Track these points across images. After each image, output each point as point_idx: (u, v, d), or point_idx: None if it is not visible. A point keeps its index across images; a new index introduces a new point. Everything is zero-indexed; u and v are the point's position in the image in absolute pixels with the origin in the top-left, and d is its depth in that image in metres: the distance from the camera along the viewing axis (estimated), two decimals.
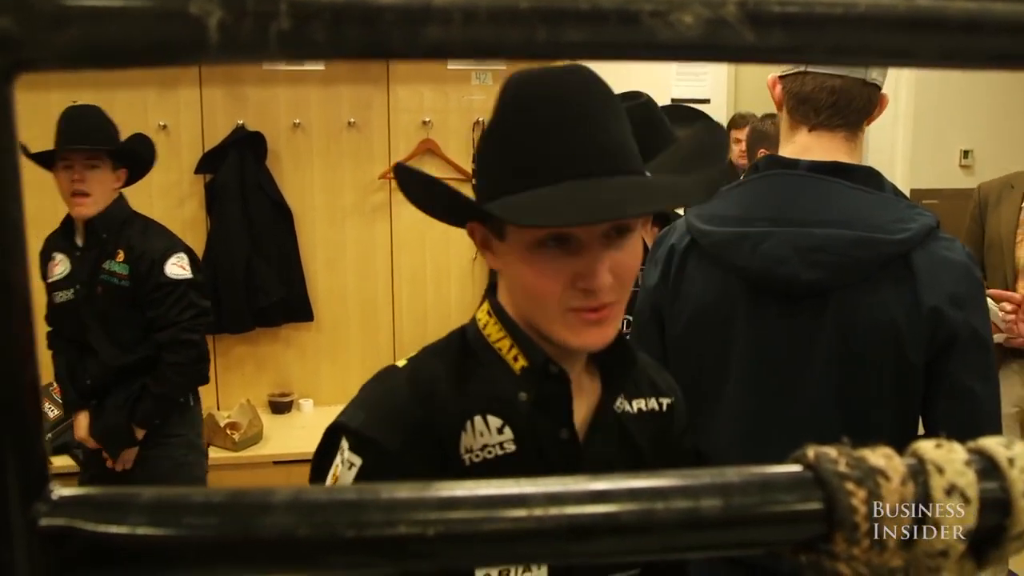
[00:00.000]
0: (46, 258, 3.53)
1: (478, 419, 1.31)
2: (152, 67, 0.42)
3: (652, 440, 1.45)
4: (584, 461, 1.33)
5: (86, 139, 3.29)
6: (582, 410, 1.37)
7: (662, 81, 5.47)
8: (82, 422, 3.51)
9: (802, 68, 1.81)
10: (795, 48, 0.43)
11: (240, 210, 4.77)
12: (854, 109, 1.80)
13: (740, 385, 1.81)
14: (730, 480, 0.47)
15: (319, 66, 4.88)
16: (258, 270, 4.82)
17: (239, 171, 4.76)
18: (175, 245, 3.56)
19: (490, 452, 1.30)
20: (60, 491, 0.46)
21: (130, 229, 3.48)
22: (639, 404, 1.45)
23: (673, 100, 5.57)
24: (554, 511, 0.45)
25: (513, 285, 1.30)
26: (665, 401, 1.49)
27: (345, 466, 1.26)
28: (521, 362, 1.33)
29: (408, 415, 1.29)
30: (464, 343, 1.38)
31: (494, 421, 1.31)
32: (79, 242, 3.47)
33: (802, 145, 1.84)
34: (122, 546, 0.45)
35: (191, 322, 3.49)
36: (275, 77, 4.88)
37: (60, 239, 3.54)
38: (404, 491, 0.46)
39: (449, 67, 5.03)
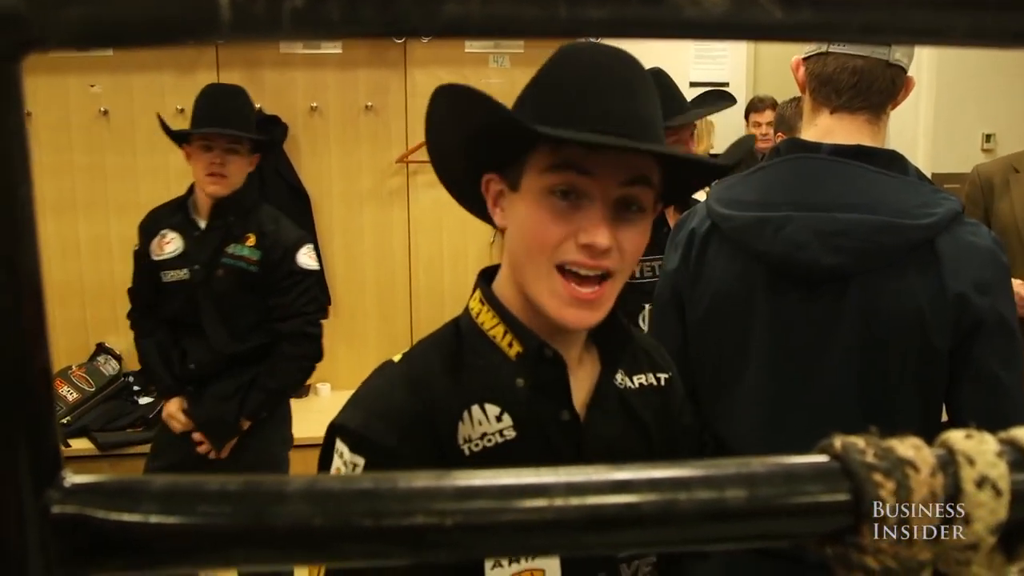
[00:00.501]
0: (151, 234, 3.42)
1: (475, 408, 1.30)
2: (163, 46, 0.41)
3: (655, 415, 1.45)
4: (588, 440, 1.34)
5: (229, 123, 3.21)
6: (582, 389, 1.37)
7: (680, 64, 5.44)
8: (175, 407, 3.39)
9: (824, 48, 1.78)
10: (824, 25, 0.42)
11: (258, 195, 4.77)
12: (876, 91, 1.77)
13: (760, 370, 1.79)
14: (755, 470, 0.46)
15: (336, 49, 4.87)
16: None
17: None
18: (305, 236, 3.51)
19: (489, 440, 1.29)
20: (72, 478, 0.45)
21: (260, 215, 3.41)
22: (639, 379, 1.45)
23: (691, 83, 5.55)
24: (575, 501, 0.44)
25: (514, 241, 1.29)
26: (663, 376, 1.49)
27: (348, 468, 1.25)
28: (516, 348, 1.32)
29: (403, 410, 1.28)
30: (458, 333, 1.37)
31: (492, 409, 1.30)
32: (199, 222, 3.38)
33: (824, 128, 1.81)
34: (134, 534, 0.44)
35: (315, 315, 3.45)
36: (292, 61, 4.87)
37: (171, 216, 3.43)
38: (421, 480, 0.45)
39: (467, 50, 5.02)
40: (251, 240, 3.35)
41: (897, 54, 1.75)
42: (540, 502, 0.44)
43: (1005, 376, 1.64)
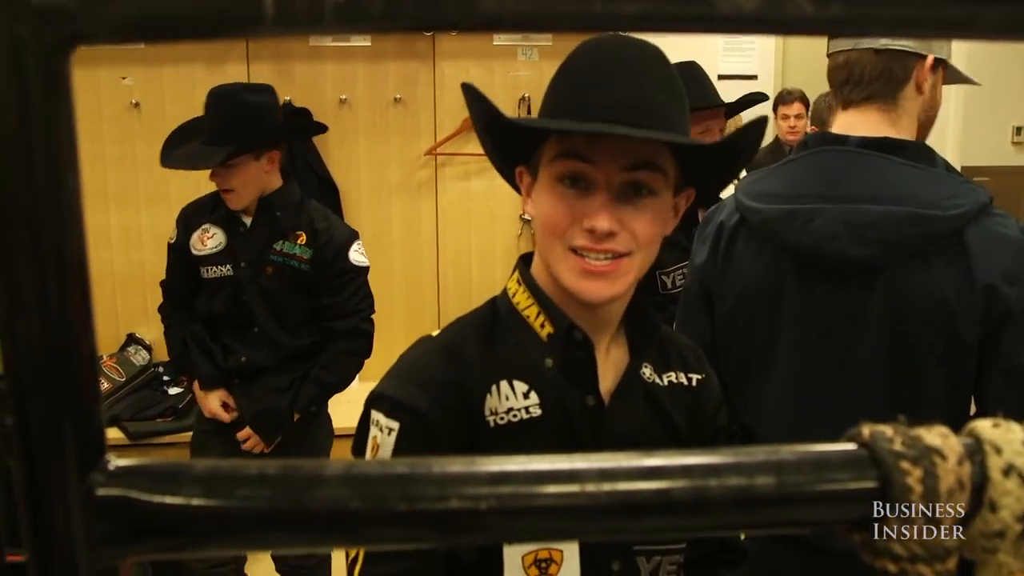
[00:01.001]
0: (191, 228, 3.32)
1: (504, 383, 1.34)
2: (207, 40, 0.42)
3: (685, 414, 1.46)
4: (610, 427, 1.36)
5: (218, 137, 3.10)
6: (609, 377, 1.39)
7: (710, 57, 5.41)
8: (216, 404, 3.32)
9: (838, 48, 1.80)
10: (854, 19, 0.43)
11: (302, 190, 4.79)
12: (870, 80, 1.77)
13: (789, 362, 1.80)
14: (784, 458, 0.46)
15: (365, 42, 4.88)
16: None
17: (286, 147, 4.78)
18: (355, 232, 3.46)
19: (515, 415, 1.32)
20: (116, 462, 0.46)
21: (309, 212, 3.34)
22: (669, 377, 1.46)
23: (720, 76, 5.52)
24: (607, 487, 0.45)
25: (536, 226, 1.33)
26: (695, 377, 1.50)
27: (384, 432, 1.29)
28: (548, 328, 1.36)
29: (435, 376, 1.33)
30: (495, 312, 1.42)
31: (520, 386, 1.34)
32: (244, 218, 3.27)
33: (844, 122, 1.82)
34: (176, 516, 0.45)
35: (368, 312, 3.44)
36: (322, 53, 4.89)
37: (213, 210, 3.31)
38: (456, 465, 0.46)
39: (495, 43, 5.02)
40: (302, 238, 3.29)
41: (883, 40, 1.74)
42: (572, 487, 0.45)
43: None
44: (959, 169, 5.80)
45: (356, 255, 3.36)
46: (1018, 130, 5.70)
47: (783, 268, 1.79)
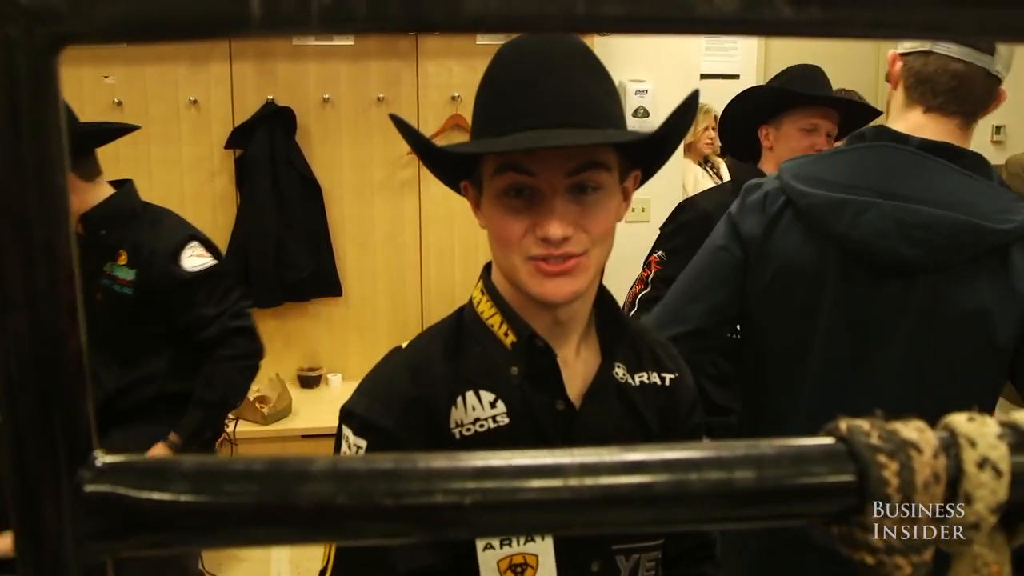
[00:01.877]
0: None
1: (470, 394, 1.34)
2: (194, 41, 0.42)
3: (659, 414, 1.46)
4: (581, 430, 1.36)
5: None
6: (579, 380, 1.39)
7: (691, 56, 5.44)
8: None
9: (928, 47, 1.77)
10: (833, 22, 0.43)
11: (270, 185, 4.78)
12: (973, 97, 1.77)
13: (821, 354, 1.80)
14: (763, 452, 0.47)
15: (348, 41, 4.88)
16: (288, 245, 4.83)
17: (269, 146, 4.77)
18: (188, 234, 2.96)
19: (481, 425, 1.33)
20: (104, 458, 0.47)
21: (136, 224, 2.89)
22: (641, 377, 1.46)
23: (703, 75, 5.55)
24: (589, 481, 0.45)
25: (490, 240, 1.34)
26: (668, 376, 1.49)
27: (353, 450, 1.31)
28: (511, 337, 1.36)
29: (401, 394, 1.34)
30: (460, 321, 1.42)
31: (486, 395, 1.34)
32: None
33: (915, 124, 1.81)
34: (164, 512, 0.46)
35: (235, 306, 2.94)
36: (305, 52, 4.88)
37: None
38: (440, 460, 0.46)
39: (478, 42, 5.02)
40: (123, 258, 2.85)
41: (998, 65, 1.75)
42: (555, 482, 0.46)
43: None
44: None
45: (191, 259, 2.89)
46: (998, 129, 5.73)
47: (827, 257, 1.78)
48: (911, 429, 0.47)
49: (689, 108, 1.30)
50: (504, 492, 0.46)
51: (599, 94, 1.27)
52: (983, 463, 0.46)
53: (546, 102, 1.23)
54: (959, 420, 0.49)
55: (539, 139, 1.20)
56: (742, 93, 2.96)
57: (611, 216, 1.30)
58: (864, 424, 0.48)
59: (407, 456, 0.47)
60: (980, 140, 5.55)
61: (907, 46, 1.83)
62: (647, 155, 1.38)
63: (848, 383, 1.78)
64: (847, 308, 1.77)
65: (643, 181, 1.42)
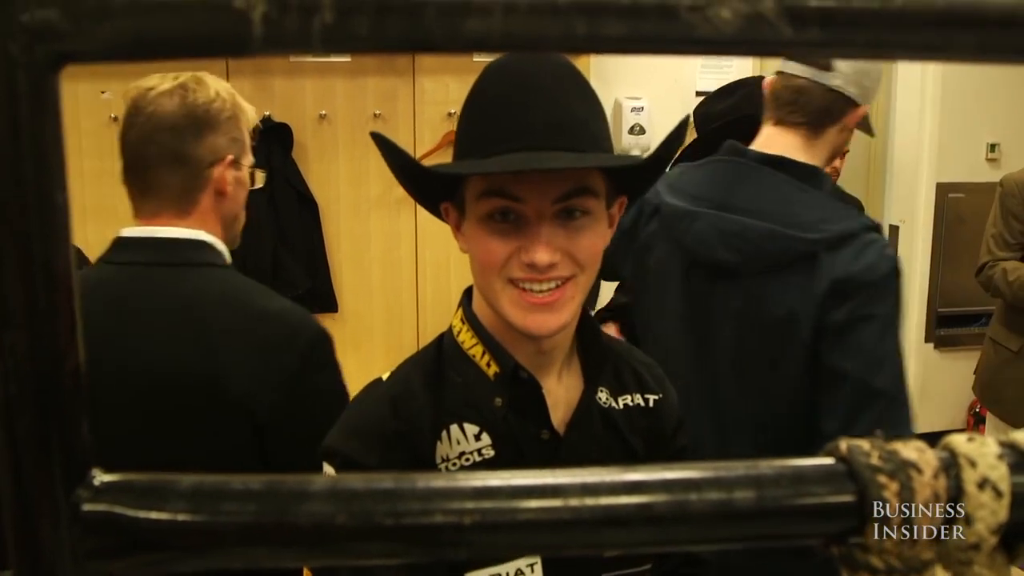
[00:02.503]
0: None
1: (454, 428, 1.32)
2: (195, 59, 0.42)
3: (644, 437, 1.44)
4: (567, 458, 1.33)
5: None
6: (563, 407, 1.37)
7: (687, 74, 5.45)
8: None
9: (779, 68, 1.99)
10: (832, 43, 0.44)
11: (266, 201, 4.77)
12: (812, 108, 1.94)
13: (669, 344, 1.99)
14: (763, 472, 0.47)
15: (345, 58, 4.88)
16: (284, 261, 4.83)
17: (266, 162, 4.76)
18: None
19: (467, 459, 1.31)
20: (102, 477, 0.46)
21: None
22: (625, 400, 1.44)
23: (698, 92, 5.56)
24: (589, 501, 0.45)
25: (472, 265, 1.32)
26: (651, 397, 1.48)
27: None
28: (494, 368, 1.34)
29: (383, 431, 1.31)
30: (440, 351, 1.40)
31: (471, 428, 1.32)
32: None
33: (766, 135, 2.01)
34: (162, 531, 0.46)
35: None
36: (302, 69, 4.89)
37: None
38: (440, 481, 0.46)
39: (475, 59, 5.03)
40: None
41: (836, 81, 1.93)
42: (555, 502, 0.46)
43: (854, 369, 1.79)
44: (934, 186, 5.82)
45: None
46: (992, 147, 5.75)
47: (674, 259, 1.99)
48: (911, 449, 0.47)
49: (679, 135, 1.31)
50: (503, 512, 0.46)
51: (587, 116, 1.26)
52: (983, 483, 0.46)
53: (533, 124, 1.21)
54: (959, 440, 0.49)
55: (528, 161, 1.18)
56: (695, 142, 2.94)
57: (598, 242, 1.28)
58: (864, 444, 0.48)
59: (407, 476, 0.46)
60: (975, 159, 5.58)
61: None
62: (634, 180, 1.36)
63: (690, 374, 1.92)
64: (688, 305, 1.97)
65: (630, 206, 1.42)
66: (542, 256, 1.21)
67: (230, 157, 1.79)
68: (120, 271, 1.77)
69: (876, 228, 1.87)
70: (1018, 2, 0.44)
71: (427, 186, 1.36)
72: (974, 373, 4.21)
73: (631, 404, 1.45)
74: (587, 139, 1.24)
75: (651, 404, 1.47)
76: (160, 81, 1.82)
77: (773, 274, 1.84)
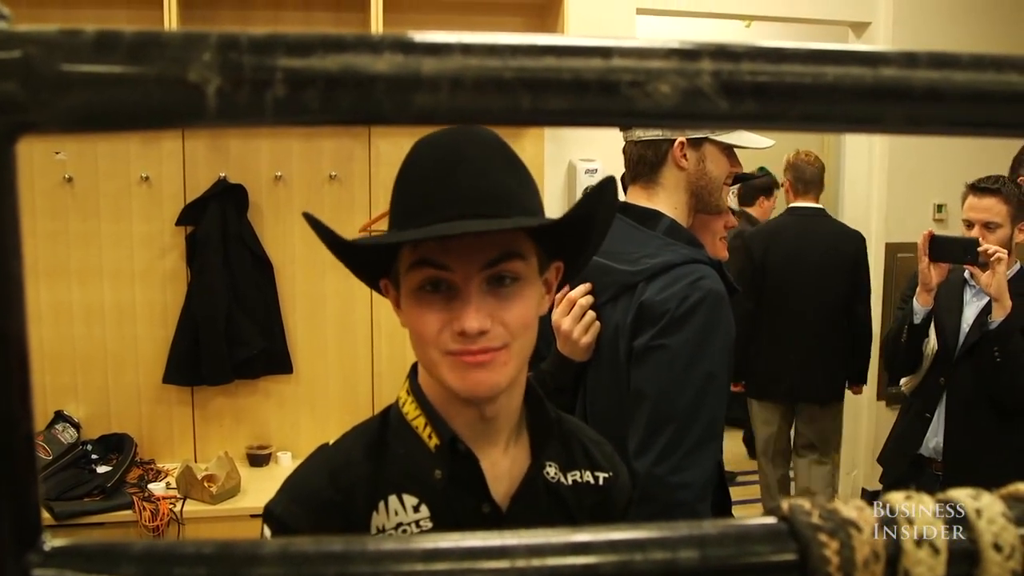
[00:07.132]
0: None
1: (392, 498, 1.32)
2: (151, 131, 0.43)
3: (591, 513, 1.44)
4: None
5: None
6: (506, 480, 1.37)
7: None
8: None
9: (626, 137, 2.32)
10: (767, 115, 0.45)
11: (221, 262, 4.76)
12: (634, 162, 2.25)
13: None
14: (707, 532, 0.48)
15: None
16: (238, 322, 4.80)
17: (221, 223, 4.76)
18: None
19: (404, 530, 1.31)
20: (52, 542, 0.46)
21: None
22: (574, 476, 1.44)
23: None
24: (536, 562, 0.46)
25: (411, 338, 1.32)
26: (601, 475, 1.48)
27: None
28: (435, 440, 1.34)
29: (319, 497, 1.32)
30: (385, 421, 1.41)
31: (409, 499, 1.32)
32: None
33: (628, 194, 2.31)
34: None
35: None
36: (257, 130, 4.90)
37: None
38: (390, 543, 0.47)
39: None
40: None
41: (637, 132, 2.24)
42: (502, 563, 0.46)
43: (652, 396, 1.99)
44: (883, 246, 5.90)
45: None
46: (939, 207, 5.86)
47: None
48: (851, 508, 0.48)
49: (599, 195, 1.31)
50: (453, 574, 0.46)
51: (513, 186, 1.27)
52: (921, 541, 0.48)
53: (460, 193, 1.23)
54: (897, 498, 0.50)
55: (451, 228, 1.20)
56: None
57: (531, 308, 1.29)
58: (805, 503, 0.49)
59: (357, 538, 0.47)
60: (922, 219, 5.68)
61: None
62: (568, 245, 1.37)
63: (590, 387, 2.17)
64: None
65: (569, 274, 1.43)
66: (471, 323, 1.22)
67: None
68: None
69: (707, 262, 2.10)
70: (942, 76, 0.46)
71: (361, 261, 1.38)
72: None
73: (580, 481, 1.45)
74: (516, 208, 1.26)
75: (601, 482, 1.47)
76: None
77: (611, 303, 2.12)
